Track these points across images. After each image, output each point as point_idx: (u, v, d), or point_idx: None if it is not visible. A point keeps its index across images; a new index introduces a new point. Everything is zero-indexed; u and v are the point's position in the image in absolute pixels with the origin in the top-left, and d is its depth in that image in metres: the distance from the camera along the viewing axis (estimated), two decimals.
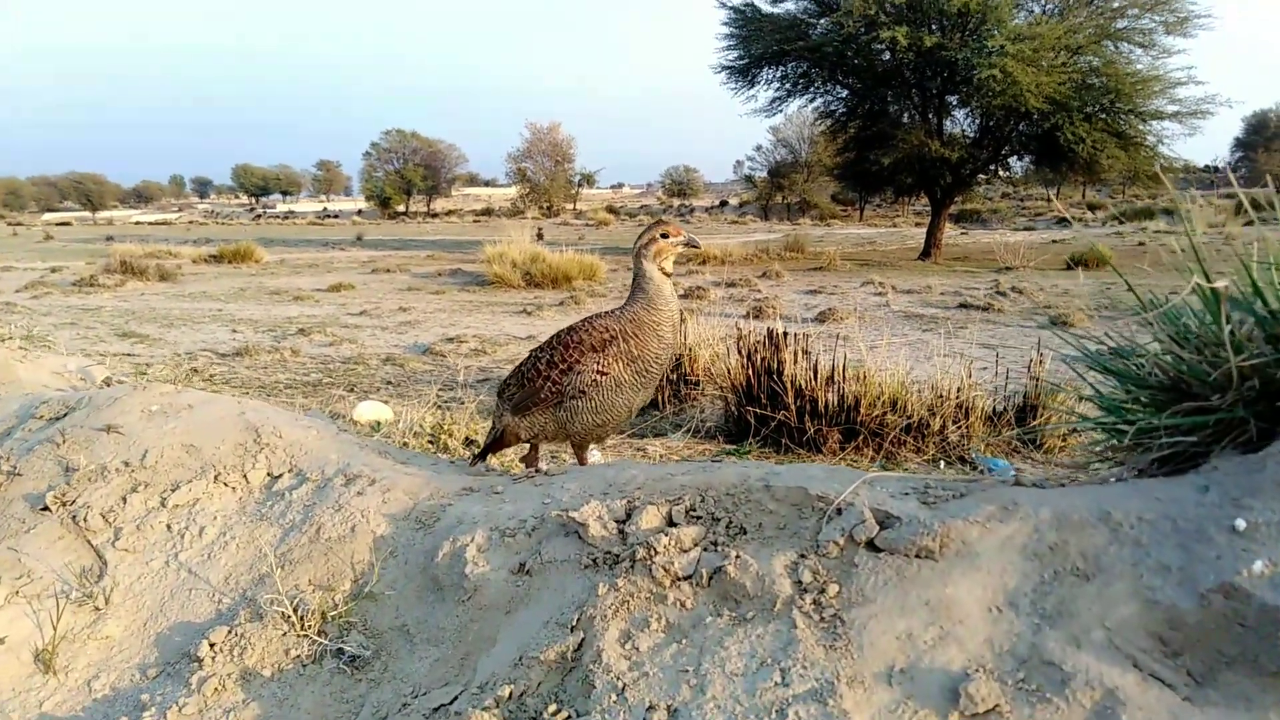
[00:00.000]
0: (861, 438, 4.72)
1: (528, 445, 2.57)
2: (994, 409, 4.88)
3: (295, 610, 1.69)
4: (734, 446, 4.87)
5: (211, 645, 1.67)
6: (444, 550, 1.70)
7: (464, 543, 1.68)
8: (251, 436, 2.15)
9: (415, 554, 1.77)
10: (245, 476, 2.06)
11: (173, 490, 2.06)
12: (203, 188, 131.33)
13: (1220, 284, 1.27)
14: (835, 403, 4.73)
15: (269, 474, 2.08)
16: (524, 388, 2.41)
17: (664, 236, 2.39)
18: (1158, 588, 1.07)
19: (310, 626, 1.68)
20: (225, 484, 2.06)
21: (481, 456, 2.76)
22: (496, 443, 2.61)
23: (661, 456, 4.76)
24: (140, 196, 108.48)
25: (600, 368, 2.29)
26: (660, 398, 5.69)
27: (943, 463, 4.60)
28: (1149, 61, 18.78)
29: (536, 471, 2.35)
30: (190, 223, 59.86)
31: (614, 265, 18.03)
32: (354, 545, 1.83)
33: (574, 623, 1.40)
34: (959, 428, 4.77)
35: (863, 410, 4.71)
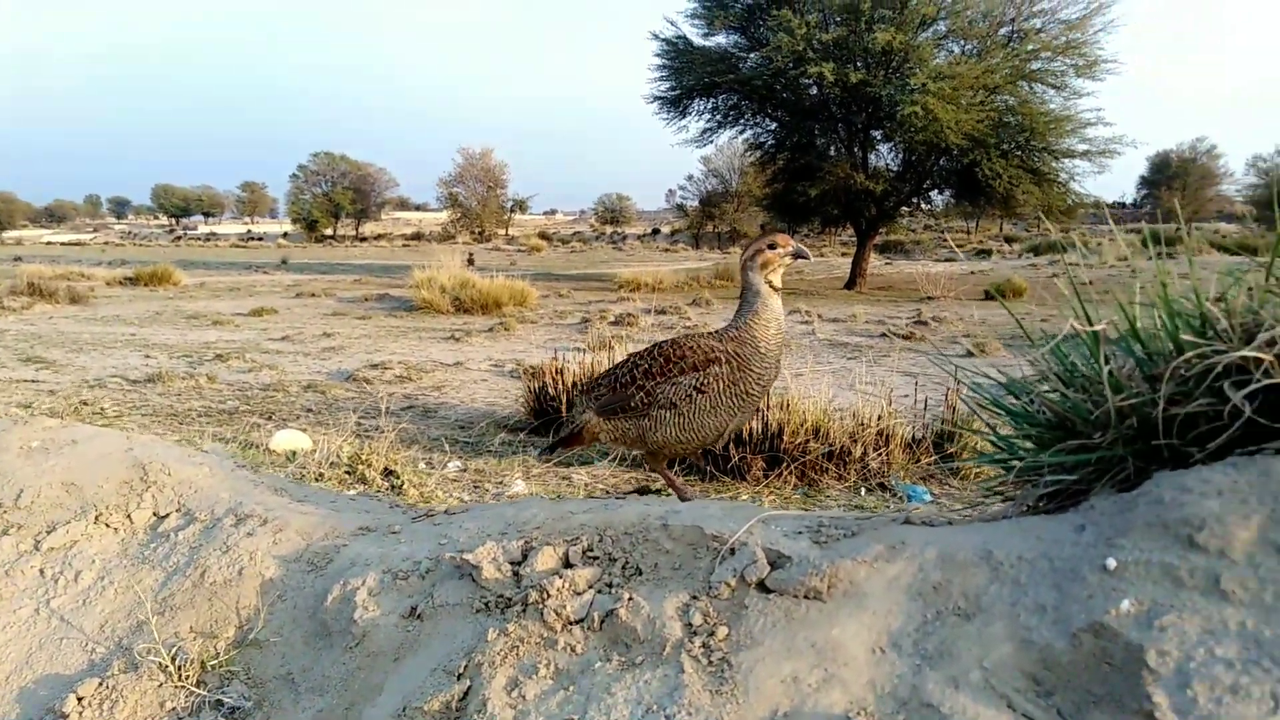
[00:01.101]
0: (785, 465, 4.75)
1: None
2: (913, 436, 4.98)
3: (173, 659, 1.60)
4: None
5: (79, 699, 1.56)
6: (334, 594, 1.63)
7: (354, 586, 1.61)
8: (138, 474, 2.04)
9: (305, 598, 1.69)
10: (129, 517, 1.96)
11: (48, 532, 1.94)
12: (120, 208, 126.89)
13: (1099, 326, 1.31)
14: (759, 430, 4.76)
15: (155, 514, 1.98)
16: (615, 391, 2.35)
17: (771, 248, 2.29)
18: (1034, 627, 1.08)
19: (189, 677, 1.59)
20: (107, 525, 1.94)
21: (552, 450, 2.72)
22: (572, 438, 2.55)
23: (587, 485, 4.72)
24: (53, 216, 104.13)
25: (699, 385, 2.21)
26: None
27: (864, 489, 4.67)
28: (1061, 102, 19.74)
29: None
30: (106, 244, 57.69)
31: (545, 291, 17.96)
32: (240, 589, 1.74)
33: (461, 670, 1.35)
34: (879, 455, 4.85)
35: (786, 438, 4.75)
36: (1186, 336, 1.22)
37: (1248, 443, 1.19)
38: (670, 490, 2.62)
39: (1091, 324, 1.34)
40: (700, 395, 2.20)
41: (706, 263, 29.24)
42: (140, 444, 2.17)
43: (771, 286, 2.28)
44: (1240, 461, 1.12)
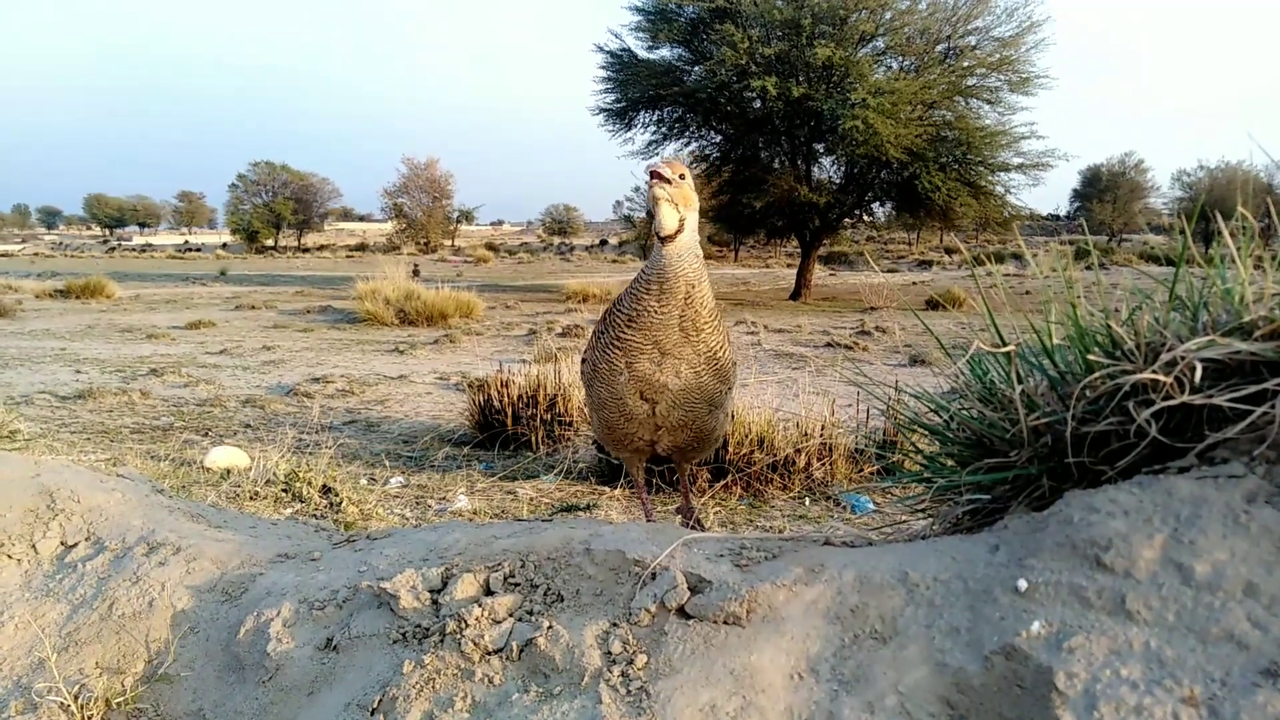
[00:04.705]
0: (730, 476, 4.77)
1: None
2: (856, 447, 5.03)
3: (75, 698, 1.52)
4: (607, 488, 4.84)
5: None
6: (247, 625, 1.57)
7: (269, 617, 1.56)
8: (45, 502, 1.94)
9: (218, 630, 1.63)
10: (34, 547, 1.86)
11: None
12: (50, 218, 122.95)
13: (1009, 347, 1.33)
14: None
15: (62, 543, 1.89)
16: None
17: (653, 177, 1.97)
18: (947, 650, 1.09)
19: (92, 716, 1.51)
20: (9, 556, 1.85)
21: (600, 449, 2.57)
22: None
23: (532, 500, 4.68)
24: None
25: (584, 358, 2.00)
26: (534, 438, 5.62)
27: (808, 499, 4.70)
28: (996, 117, 20.40)
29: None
30: (35, 255, 55.76)
31: (492, 303, 17.83)
32: (151, 622, 1.66)
33: (376, 704, 1.31)
34: (823, 465, 4.89)
35: (731, 449, 4.77)
36: (1094, 356, 1.24)
37: (1156, 461, 1.21)
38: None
39: (1004, 342, 1.36)
40: (584, 365, 1.99)
41: None
42: (48, 469, 2.07)
43: (658, 235, 1.94)
44: (1146, 481, 1.14)
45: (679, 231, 1.94)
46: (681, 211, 1.96)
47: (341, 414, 7.00)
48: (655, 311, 1.88)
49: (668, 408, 1.94)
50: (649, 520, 2.17)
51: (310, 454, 5.14)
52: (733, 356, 2.01)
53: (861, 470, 4.99)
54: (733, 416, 4.80)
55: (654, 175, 1.95)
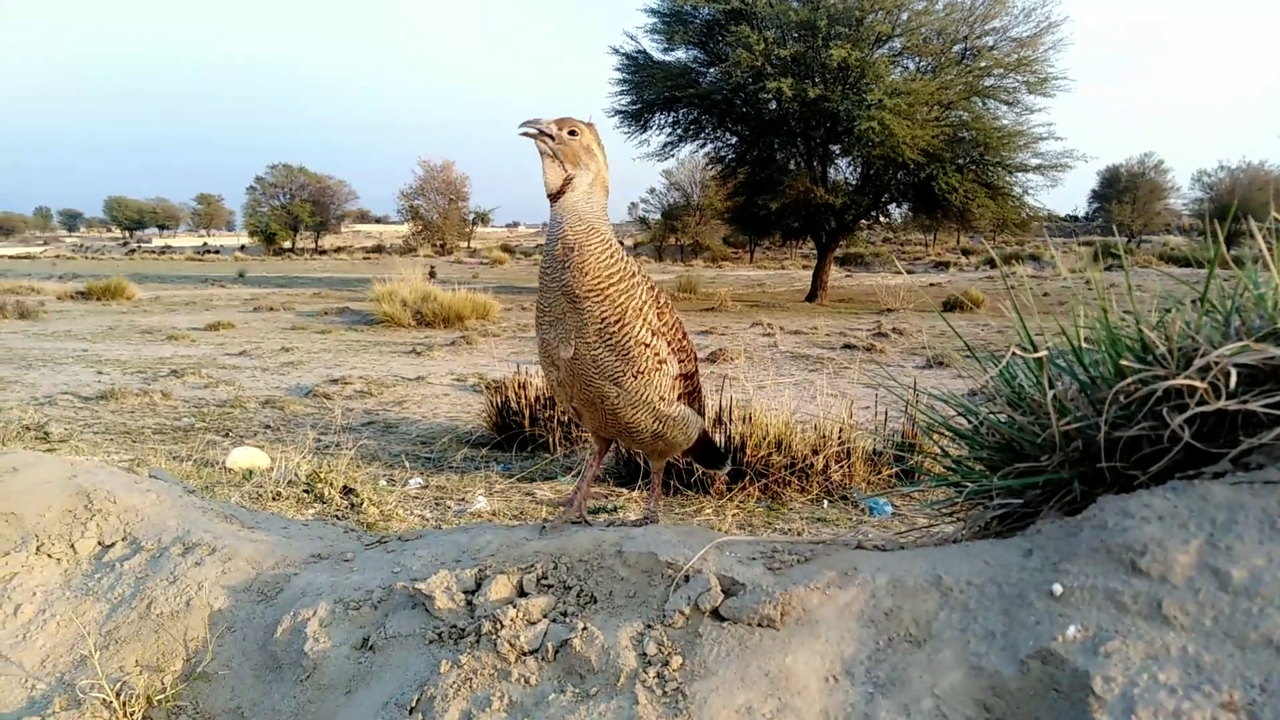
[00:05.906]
0: (748, 478, 4.76)
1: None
2: (875, 449, 5.02)
3: (117, 695, 1.55)
4: (625, 490, 4.85)
5: None
6: (284, 625, 1.59)
7: (305, 617, 1.58)
8: (82, 502, 1.98)
9: (255, 629, 1.65)
10: (73, 547, 1.90)
11: None
12: (71, 221, 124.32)
13: (1041, 352, 1.34)
14: (723, 443, 4.76)
15: (100, 543, 1.92)
16: None
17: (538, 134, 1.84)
18: (983, 654, 1.10)
19: (134, 713, 1.54)
20: (49, 556, 1.89)
21: None
22: None
23: (550, 501, 4.70)
24: (1, 229, 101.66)
25: None
26: (551, 440, 5.64)
27: (826, 502, 4.69)
28: (1014, 118, 20.26)
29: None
30: (57, 257, 56.40)
31: (508, 305, 17.88)
32: (188, 620, 1.70)
33: (414, 703, 1.33)
34: (841, 467, 4.88)
35: (749, 451, 4.76)
36: (1127, 361, 1.25)
37: (1189, 466, 1.21)
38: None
39: (1035, 348, 1.37)
40: None
41: (670, 275, 29.35)
42: (84, 470, 2.11)
43: (547, 195, 1.85)
44: (1180, 486, 1.14)
45: (563, 191, 1.83)
46: (569, 170, 1.84)
47: (360, 415, 7.04)
48: (544, 273, 1.82)
49: (567, 378, 1.85)
50: (576, 496, 2.08)
51: (330, 455, 5.17)
52: (644, 339, 1.82)
53: (880, 473, 4.97)
54: (749, 419, 4.80)
55: (537, 133, 1.82)
